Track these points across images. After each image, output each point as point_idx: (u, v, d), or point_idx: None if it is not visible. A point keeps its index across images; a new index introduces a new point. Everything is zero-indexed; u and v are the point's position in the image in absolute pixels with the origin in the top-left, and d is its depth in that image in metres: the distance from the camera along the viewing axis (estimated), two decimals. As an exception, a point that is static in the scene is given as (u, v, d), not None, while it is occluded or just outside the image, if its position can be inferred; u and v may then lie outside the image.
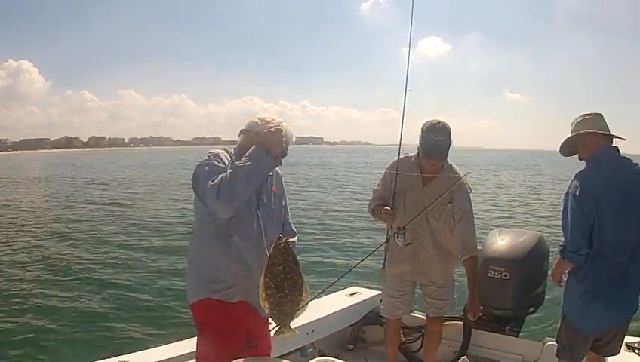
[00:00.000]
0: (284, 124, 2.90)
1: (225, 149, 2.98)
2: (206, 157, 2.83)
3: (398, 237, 3.76)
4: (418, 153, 3.86)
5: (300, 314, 2.80)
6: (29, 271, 11.62)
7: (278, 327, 2.78)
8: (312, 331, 4.27)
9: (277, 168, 3.08)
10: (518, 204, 24.44)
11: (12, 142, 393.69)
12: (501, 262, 4.26)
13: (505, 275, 4.21)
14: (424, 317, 4.52)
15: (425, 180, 3.86)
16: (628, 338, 3.65)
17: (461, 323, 4.43)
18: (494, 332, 4.37)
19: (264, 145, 2.76)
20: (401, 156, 3.94)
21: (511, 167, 67.11)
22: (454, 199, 3.81)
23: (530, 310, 4.31)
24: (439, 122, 3.70)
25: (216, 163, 2.79)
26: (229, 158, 2.88)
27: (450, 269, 4.05)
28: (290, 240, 3.01)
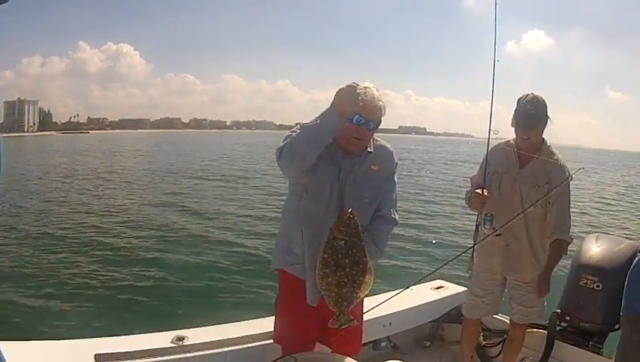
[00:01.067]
0: (371, 88, 2.64)
1: None
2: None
3: (485, 224, 3.53)
4: (515, 132, 3.67)
5: (360, 298, 2.63)
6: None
7: (335, 316, 2.60)
8: (390, 324, 4.09)
9: (390, 150, 2.94)
10: (619, 209, 23.08)
11: (110, 122, 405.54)
12: (595, 271, 3.97)
13: (597, 286, 3.93)
14: (508, 321, 4.30)
15: (522, 161, 3.65)
16: None
17: (545, 331, 4.16)
18: (577, 346, 4.07)
19: (335, 105, 2.59)
20: (502, 141, 3.76)
21: (613, 168, 64.01)
22: (552, 180, 3.55)
23: (617, 326, 3.94)
24: (533, 94, 3.53)
25: (297, 129, 2.67)
26: None
27: (543, 256, 3.77)
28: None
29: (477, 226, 3.62)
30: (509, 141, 3.75)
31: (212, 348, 3.09)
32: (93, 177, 27.47)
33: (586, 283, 3.97)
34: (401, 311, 4.17)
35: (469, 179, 3.91)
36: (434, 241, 12.72)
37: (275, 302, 3.02)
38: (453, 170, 38.85)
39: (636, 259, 3.11)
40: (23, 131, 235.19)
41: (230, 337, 3.24)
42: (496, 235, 3.55)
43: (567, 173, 3.59)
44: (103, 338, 3.04)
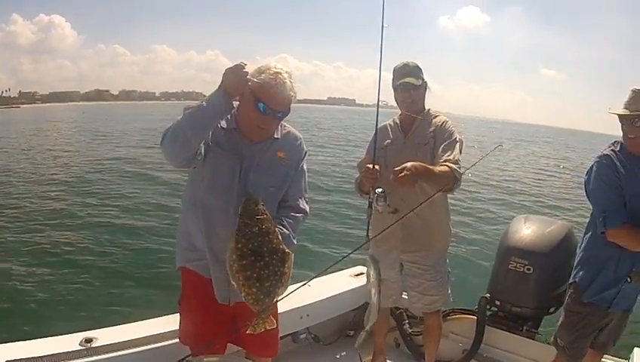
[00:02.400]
0: (283, 74, 2.38)
1: None
2: None
3: (379, 201, 3.14)
4: (396, 101, 3.53)
5: (282, 293, 2.32)
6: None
7: (255, 318, 2.29)
8: (307, 315, 3.86)
9: (298, 137, 2.73)
10: (547, 186, 22.98)
11: (41, 95, 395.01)
12: (525, 254, 3.77)
13: (528, 269, 3.73)
14: None
15: (405, 129, 3.51)
16: None
17: (474, 317, 3.99)
18: (510, 332, 3.91)
19: (225, 86, 2.29)
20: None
21: (542, 144, 65.00)
22: (436, 134, 3.34)
23: (551, 310, 3.83)
24: (407, 61, 3.46)
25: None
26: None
27: (441, 237, 3.58)
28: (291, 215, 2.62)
29: (370, 204, 3.19)
30: (393, 119, 3.63)
31: (122, 349, 2.95)
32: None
33: (515, 267, 3.77)
34: (320, 300, 3.93)
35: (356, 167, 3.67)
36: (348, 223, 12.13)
37: (179, 301, 2.79)
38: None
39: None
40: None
41: (141, 336, 3.09)
42: (391, 212, 3.27)
43: (450, 126, 3.37)
44: (8, 344, 2.88)
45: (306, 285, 2.98)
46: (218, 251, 2.44)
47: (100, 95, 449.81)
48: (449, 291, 3.63)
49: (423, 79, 3.46)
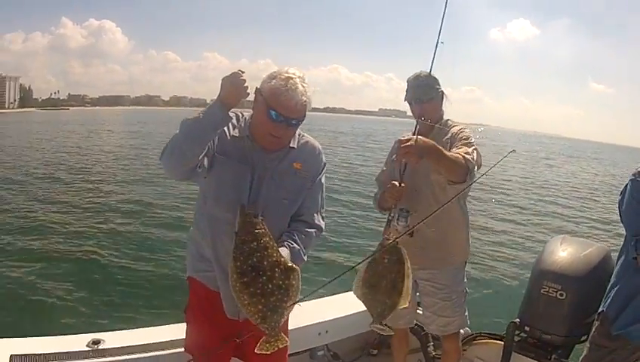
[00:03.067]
0: (295, 79, 2.27)
1: (238, 114, 2.51)
2: None
3: (399, 220, 3.03)
4: (412, 113, 3.37)
5: (290, 306, 2.15)
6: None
7: (265, 337, 2.13)
8: (326, 332, 3.74)
9: (317, 148, 2.61)
10: (591, 205, 22.05)
11: (91, 98, 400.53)
12: (559, 278, 3.53)
13: (561, 294, 3.49)
14: (461, 330, 3.92)
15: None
16: None
17: (501, 343, 3.76)
18: (538, 360, 3.65)
19: (222, 96, 2.20)
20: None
21: (594, 160, 63.33)
22: (451, 143, 3.19)
23: (583, 338, 3.51)
24: (422, 71, 3.28)
25: None
26: (235, 124, 2.46)
27: (458, 251, 3.40)
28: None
29: (388, 222, 3.07)
30: (411, 129, 3.35)
31: (128, 354, 2.96)
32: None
33: (547, 291, 3.54)
34: (340, 317, 3.80)
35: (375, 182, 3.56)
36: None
37: (185, 310, 2.72)
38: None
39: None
40: (4, 108, 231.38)
41: (148, 342, 3.09)
42: (409, 234, 3.10)
43: (467, 133, 3.21)
44: (18, 339, 2.94)
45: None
46: (226, 265, 2.25)
47: (150, 100, 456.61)
48: (466, 312, 3.44)
49: (438, 89, 3.30)
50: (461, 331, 3.61)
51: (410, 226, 2.95)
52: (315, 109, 2.48)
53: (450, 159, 2.86)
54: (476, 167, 2.95)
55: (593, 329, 2.93)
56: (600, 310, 2.90)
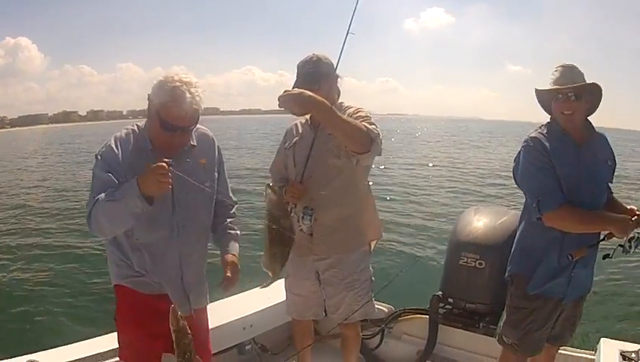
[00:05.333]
0: (182, 87, 2.26)
1: (133, 127, 2.49)
2: (100, 151, 2.39)
3: (303, 219, 2.97)
4: None
5: None
6: None
7: None
8: (251, 326, 3.71)
9: (210, 136, 2.67)
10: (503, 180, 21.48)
11: (10, 119, 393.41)
12: (475, 248, 3.61)
13: (479, 264, 3.57)
14: (385, 309, 3.98)
15: (315, 122, 3.06)
16: (623, 346, 3.19)
17: (426, 316, 3.81)
18: (466, 330, 3.74)
19: (140, 185, 2.13)
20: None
21: (506, 138, 64.62)
22: None
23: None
24: (313, 54, 3.02)
25: (100, 170, 2.32)
26: (131, 142, 2.42)
27: (362, 234, 3.18)
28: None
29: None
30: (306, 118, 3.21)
31: None
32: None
33: (466, 262, 3.61)
34: (263, 309, 3.77)
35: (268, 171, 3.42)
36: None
37: (115, 318, 2.64)
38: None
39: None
40: None
41: (83, 356, 3.00)
42: (310, 234, 3.06)
43: (365, 112, 2.96)
44: None
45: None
46: (174, 276, 2.49)
47: (67, 116, 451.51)
48: (372, 300, 3.28)
49: (328, 74, 3.00)
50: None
51: (315, 222, 2.98)
52: (230, 112, 2.42)
53: (348, 122, 2.69)
54: (380, 140, 2.80)
55: (508, 294, 2.97)
56: (509, 273, 2.96)
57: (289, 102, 2.59)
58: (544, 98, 2.86)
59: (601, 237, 2.75)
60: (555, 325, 2.94)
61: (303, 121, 3.19)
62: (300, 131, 3.17)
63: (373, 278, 3.24)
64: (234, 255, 2.62)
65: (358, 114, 2.88)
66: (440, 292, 3.77)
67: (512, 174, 2.94)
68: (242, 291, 3.84)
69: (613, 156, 2.94)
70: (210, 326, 2.84)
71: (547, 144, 2.71)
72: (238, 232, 2.73)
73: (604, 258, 2.81)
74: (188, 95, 2.24)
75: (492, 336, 3.63)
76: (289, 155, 3.14)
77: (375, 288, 3.24)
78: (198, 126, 2.52)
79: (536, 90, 2.88)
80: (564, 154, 2.71)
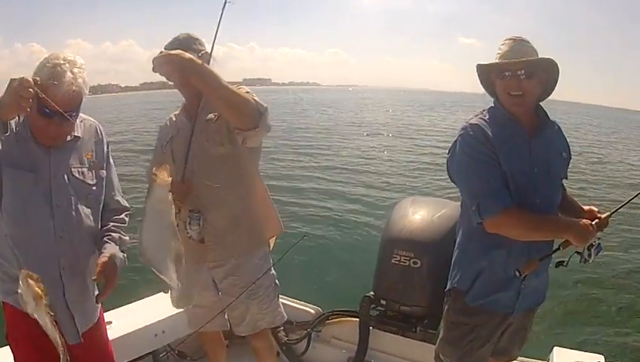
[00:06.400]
0: (65, 65, 2.02)
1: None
2: None
3: (191, 224, 2.60)
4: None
5: None
6: None
7: None
8: (163, 332, 3.38)
9: (95, 125, 2.40)
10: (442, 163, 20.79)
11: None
12: (410, 244, 3.15)
13: (414, 263, 3.11)
14: (312, 311, 3.63)
15: (190, 110, 2.71)
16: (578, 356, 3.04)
17: (357, 319, 3.43)
18: (402, 335, 3.35)
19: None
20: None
21: (454, 110, 63.07)
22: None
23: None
24: (181, 34, 2.68)
25: None
26: (14, 130, 2.12)
27: (258, 232, 2.83)
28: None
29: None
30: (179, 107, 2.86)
31: None
32: None
33: (400, 261, 3.16)
34: (175, 314, 3.33)
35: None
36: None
37: (6, 335, 2.44)
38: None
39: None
40: None
41: None
42: (200, 241, 2.69)
43: (246, 88, 2.56)
44: None
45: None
46: (55, 291, 2.17)
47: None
48: (279, 308, 2.95)
49: (200, 50, 2.65)
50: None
51: (204, 227, 2.62)
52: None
53: (234, 91, 2.29)
54: (268, 115, 2.42)
55: (445, 308, 2.55)
56: (449, 287, 2.52)
57: (166, 64, 2.18)
58: (487, 76, 2.37)
59: (556, 246, 2.28)
60: (500, 339, 2.50)
61: (178, 112, 2.83)
62: (176, 123, 2.77)
63: (277, 281, 2.90)
64: (106, 256, 2.24)
65: (240, 89, 2.42)
66: (372, 293, 3.34)
67: (446, 166, 2.45)
68: (150, 295, 3.59)
69: (569, 147, 2.48)
70: (117, 335, 2.75)
71: (490, 132, 2.22)
72: (125, 238, 2.40)
73: (557, 266, 2.34)
74: (69, 75, 2.01)
75: (431, 342, 3.18)
76: (167, 153, 2.74)
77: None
78: (84, 116, 2.34)
79: (478, 66, 2.37)
80: (511, 145, 2.24)
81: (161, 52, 2.26)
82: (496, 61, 2.28)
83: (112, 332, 2.90)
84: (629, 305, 6.71)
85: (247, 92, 2.42)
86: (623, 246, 8.73)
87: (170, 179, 2.07)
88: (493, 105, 2.37)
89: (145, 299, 3.55)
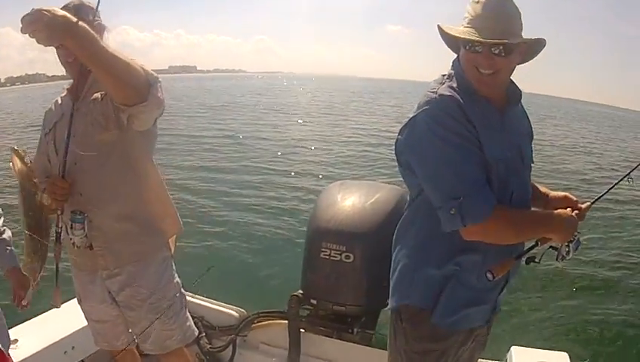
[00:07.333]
0: None
1: None
2: None
3: (74, 228, 2.15)
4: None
5: None
6: None
7: None
8: (73, 348, 3.00)
9: None
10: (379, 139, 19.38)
11: None
12: (340, 236, 2.77)
13: (347, 257, 2.74)
14: (237, 314, 3.25)
15: (76, 91, 2.22)
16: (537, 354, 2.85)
17: (285, 321, 3.06)
18: (337, 337, 3.00)
19: None
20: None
21: (382, 96, 63.39)
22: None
23: (388, 303, 2.87)
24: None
25: None
26: None
27: (155, 234, 2.38)
28: None
29: (58, 235, 2.20)
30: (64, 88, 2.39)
31: None
32: None
33: (329, 255, 2.77)
34: (85, 326, 2.83)
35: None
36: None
37: None
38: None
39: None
40: None
41: None
42: (88, 247, 2.25)
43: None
44: None
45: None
46: None
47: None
48: (188, 320, 2.52)
49: (94, 21, 2.05)
50: None
51: (87, 236, 2.19)
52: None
53: (118, 57, 1.85)
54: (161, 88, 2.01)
55: (397, 331, 2.00)
56: (398, 303, 1.99)
57: (36, 22, 1.63)
58: (452, 40, 1.81)
59: (534, 242, 1.81)
60: (465, 350, 2.03)
61: (64, 94, 2.35)
62: (61, 107, 2.30)
63: (182, 290, 2.48)
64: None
65: (133, 60, 1.95)
66: (300, 292, 2.97)
67: (394, 154, 1.88)
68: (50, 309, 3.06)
69: (531, 126, 2.02)
70: (23, 356, 2.62)
71: (469, 112, 1.69)
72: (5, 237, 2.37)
73: (527, 262, 1.81)
74: None
75: (369, 345, 2.94)
76: (49, 142, 2.28)
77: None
78: None
79: (440, 29, 1.79)
80: (487, 123, 1.73)
81: (32, 9, 1.78)
82: (465, 35, 1.68)
83: (18, 353, 2.65)
84: (591, 301, 6.46)
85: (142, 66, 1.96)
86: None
87: (20, 165, 1.77)
88: (454, 71, 1.81)
89: (45, 313, 3.12)
